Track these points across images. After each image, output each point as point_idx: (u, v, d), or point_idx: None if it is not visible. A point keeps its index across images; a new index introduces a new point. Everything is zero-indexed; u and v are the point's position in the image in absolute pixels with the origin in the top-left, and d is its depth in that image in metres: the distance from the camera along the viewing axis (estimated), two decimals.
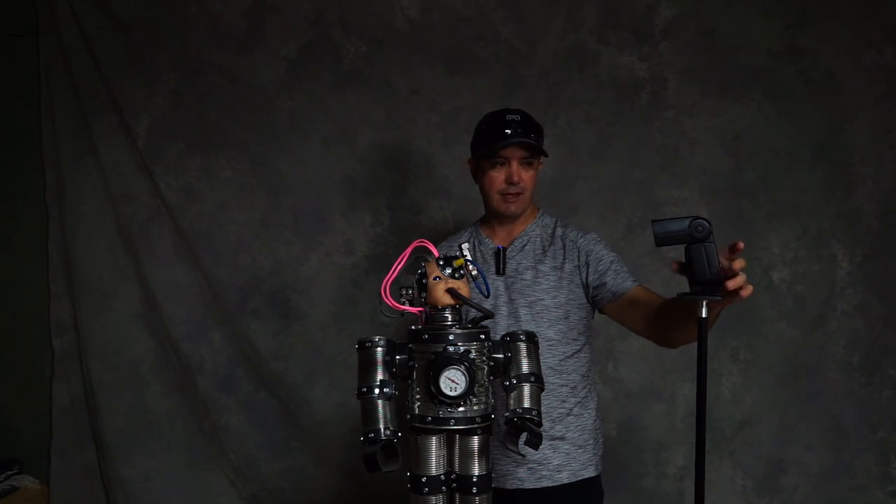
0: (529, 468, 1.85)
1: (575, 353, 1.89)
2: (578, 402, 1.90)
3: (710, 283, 1.63)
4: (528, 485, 1.86)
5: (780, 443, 2.76)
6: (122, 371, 2.83)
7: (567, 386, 1.87)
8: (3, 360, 2.90)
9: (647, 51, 2.74)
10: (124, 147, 2.80)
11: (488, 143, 1.86)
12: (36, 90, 2.82)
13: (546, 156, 1.92)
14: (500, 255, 1.89)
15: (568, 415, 1.88)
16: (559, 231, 1.94)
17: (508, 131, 1.83)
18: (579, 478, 1.88)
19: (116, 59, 2.77)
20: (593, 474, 1.92)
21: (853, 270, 2.73)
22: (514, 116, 1.87)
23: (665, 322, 1.76)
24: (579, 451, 1.89)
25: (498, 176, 1.87)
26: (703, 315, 1.70)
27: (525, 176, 1.87)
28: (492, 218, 1.98)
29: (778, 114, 2.74)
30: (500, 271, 1.89)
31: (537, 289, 1.87)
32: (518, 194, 1.87)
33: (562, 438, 1.87)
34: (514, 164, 1.86)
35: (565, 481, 1.87)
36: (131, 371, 2.83)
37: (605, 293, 1.86)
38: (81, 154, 2.81)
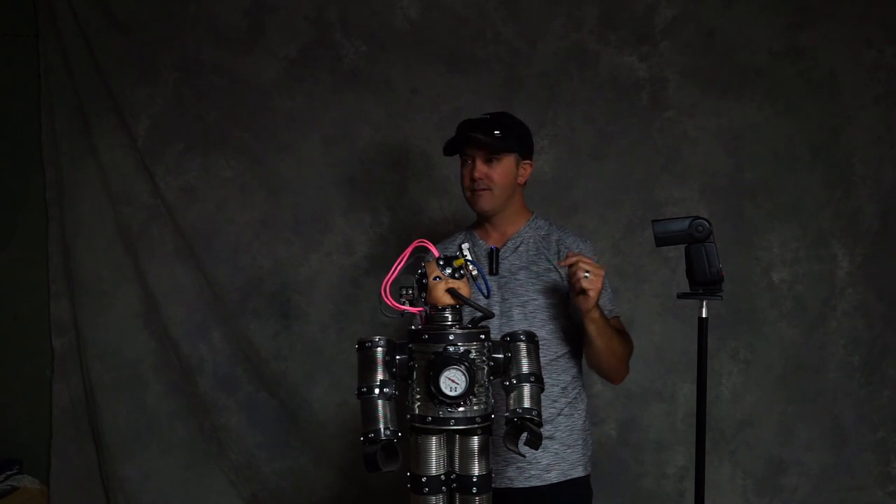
0: (518, 467, 1.86)
1: (566, 353, 1.90)
2: (569, 403, 1.91)
3: (710, 283, 1.63)
4: (517, 484, 1.86)
5: (780, 443, 2.76)
6: (122, 371, 2.83)
7: (558, 386, 1.88)
8: (3, 360, 2.90)
9: (647, 51, 2.74)
10: (124, 147, 2.80)
11: (452, 143, 1.94)
12: (36, 90, 2.82)
13: (511, 151, 1.91)
14: (493, 256, 1.91)
15: (559, 415, 1.89)
16: (555, 235, 1.95)
17: (466, 130, 1.90)
18: (568, 477, 1.89)
19: (116, 59, 2.77)
20: (582, 474, 1.92)
21: (853, 270, 2.73)
22: (484, 116, 1.94)
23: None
24: (568, 451, 1.89)
25: (466, 174, 1.93)
26: (704, 315, 1.71)
27: (491, 172, 1.90)
28: (481, 218, 2.00)
29: (778, 114, 2.74)
30: (493, 271, 1.90)
31: (530, 289, 1.88)
32: (485, 190, 1.90)
33: (551, 438, 1.87)
34: (478, 161, 1.90)
35: (554, 481, 1.87)
36: (131, 371, 2.83)
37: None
38: (81, 154, 2.81)
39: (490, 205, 1.92)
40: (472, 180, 1.90)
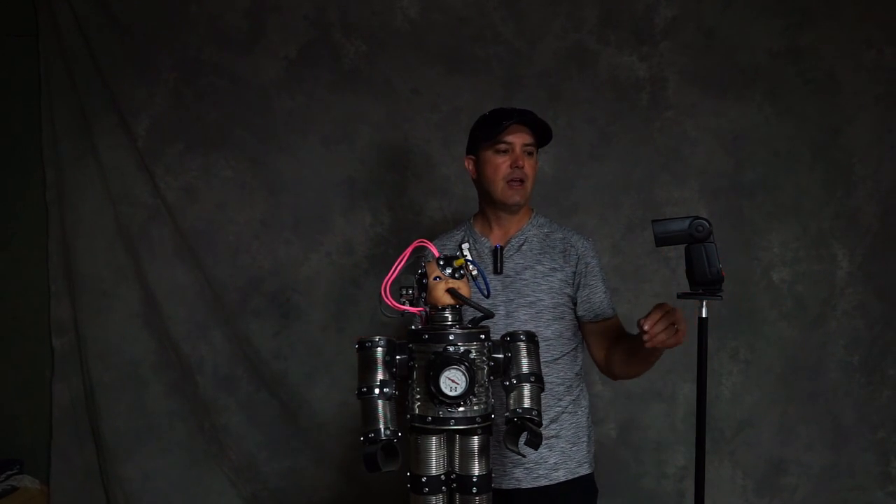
0: (526, 468, 1.86)
1: (571, 351, 1.90)
2: (573, 401, 1.91)
3: (710, 283, 1.63)
4: (525, 484, 1.86)
5: (780, 443, 2.76)
6: (122, 371, 2.83)
7: (563, 385, 1.88)
8: (3, 360, 2.90)
9: (647, 51, 2.74)
10: (124, 147, 2.80)
11: (492, 128, 1.86)
12: (36, 90, 2.83)
13: (550, 138, 1.92)
14: (497, 254, 1.89)
15: (563, 413, 1.89)
16: (559, 234, 1.94)
17: (513, 115, 1.86)
18: (576, 475, 1.89)
19: (116, 59, 2.77)
20: (588, 472, 1.93)
21: (853, 270, 2.73)
22: (516, 108, 1.91)
23: (615, 353, 1.88)
24: (574, 448, 1.90)
25: (503, 162, 1.87)
26: (704, 315, 1.71)
27: (527, 164, 1.88)
28: (488, 213, 1.96)
29: (778, 114, 2.74)
30: (497, 270, 1.89)
31: (537, 289, 1.87)
32: (522, 181, 1.87)
33: (557, 436, 1.87)
34: (518, 149, 1.86)
35: (562, 479, 1.87)
36: (131, 371, 2.84)
37: (588, 313, 1.91)
38: (81, 154, 2.81)
39: (524, 198, 1.89)
40: (516, 167, 1.85)
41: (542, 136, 1.91)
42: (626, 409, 2.78)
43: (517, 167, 1.85)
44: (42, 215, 2.84)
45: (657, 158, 2.76)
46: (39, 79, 2.82)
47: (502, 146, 1.86)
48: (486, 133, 1.88)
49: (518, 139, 1.86)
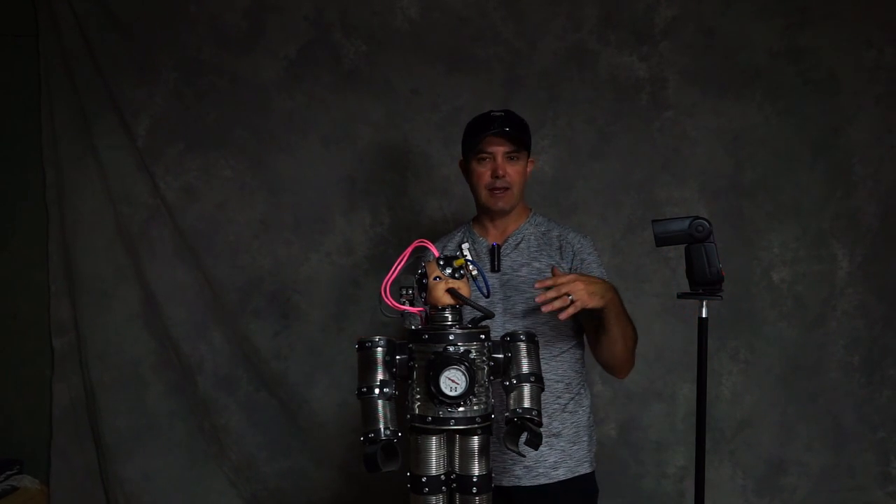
0: (526, 466, 1.86)
1: (569, 349, 1.91)
2: (573, 398, 1.91)
3: (710, 283, 1.63)
4: (525, 482, 1.87)
5: (780, 443, 2.76)
6: (122, 371, 2.83)
7: (562, 382, 1.89)
8: (3, 360, 2.90)
9: (647, 51, 2.74)
10: (124, 147, 2.80)
11: (472, 139, 1.89)
12: (36, 90, 2.83)
13: (527, 149, 1.93)
14: (494, 253, 1.90)
15: (563, 410, 1.89)
16: (556, 232, 1.96)
17: (491, 126, 1.87)
18: (576, 474, 1.90)
19: (116, 59, 2.77)
20: (588, 471, 1.94)
21: (853, 270, 2.73)
22: (497, 113, 1.91)
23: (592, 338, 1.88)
24: (574, 447, 1.90)
25: (484, 171, 1.90)
26: (704, 315, 1.71)
27: (511, 170, 1.89)
28: (483, 216, 1.99)
29: (778, 114, 2.74)
30: (495, 268, 1.89)
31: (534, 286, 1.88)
32: (505, 189, 1.89)
33: (557, 435, 1.88)
34: (500, 158, 1.88)
35: (562, 478, 1.88)
36: (131, 371, 2.84)
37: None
38: (81, 154, 2.81)
39: (510, 204, 1.91)
40: (496, 177, 1.87)
41: (527, 139, 1.91)
42: (626, 409, 2.78)
43: (496, 177, 1.87)
44: (42, 215, 2.84)
45: (657, 158, 2.76)
46: (39, 79, 2.82)
47: (483, 155, 1.89)
48: (468, 143, 1.91)
49: (498, 148, 1.87)
